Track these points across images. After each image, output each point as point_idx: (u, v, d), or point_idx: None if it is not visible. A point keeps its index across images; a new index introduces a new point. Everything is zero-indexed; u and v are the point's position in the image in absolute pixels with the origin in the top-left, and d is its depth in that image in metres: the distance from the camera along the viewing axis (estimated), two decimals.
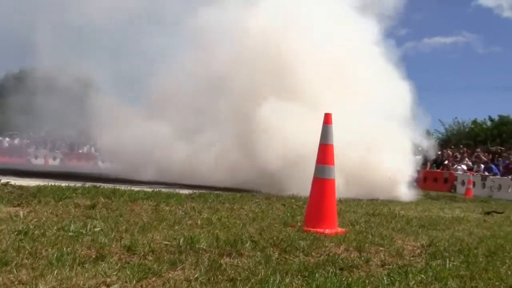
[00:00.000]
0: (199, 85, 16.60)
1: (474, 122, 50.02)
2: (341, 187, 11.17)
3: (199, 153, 15.48)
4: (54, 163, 36.56)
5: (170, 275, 3.31)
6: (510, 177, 21.34)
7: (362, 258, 4.27)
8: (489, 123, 49.25)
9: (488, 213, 9.83)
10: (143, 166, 16.18)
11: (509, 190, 20.99)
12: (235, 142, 15.13)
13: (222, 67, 15.71)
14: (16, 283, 2.93)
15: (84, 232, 4.41)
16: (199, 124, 16.20)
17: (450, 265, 4.23)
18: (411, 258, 4.48)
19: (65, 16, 20.28)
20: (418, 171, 19.71)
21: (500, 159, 25.49)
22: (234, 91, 15.34)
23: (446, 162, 27.07)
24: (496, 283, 3.80)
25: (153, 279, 3.21)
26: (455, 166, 25.98)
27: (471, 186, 20.07)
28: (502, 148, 29.04)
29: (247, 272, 3.49)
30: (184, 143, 16.06)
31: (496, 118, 49.78)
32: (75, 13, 20.02)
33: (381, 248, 4.73)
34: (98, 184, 8.71)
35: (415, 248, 4.93)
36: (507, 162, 24.00)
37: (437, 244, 5.09)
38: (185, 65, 17.03)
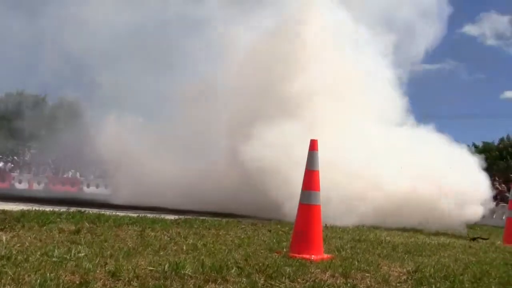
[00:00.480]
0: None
1: None
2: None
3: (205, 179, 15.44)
4: (38, 188, 36.29)
5: None
6: (494, 203, 21.41)
7: (348, 285, 4.26)
8: (473, 149, 49.70)
9: (474, 239, 9.85)
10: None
11: (494, 216, 21.08)
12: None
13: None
14: None
15: (68, 257, 4.36)
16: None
17: None
18: (397, 285, 4.47)
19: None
20: None
21: None
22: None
23: None
24: None
25: None
26: None
27: None
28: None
29: None
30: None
31: (480, 144, 50.33)
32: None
33: (367, 274, 4.71)
34: (83, 209, 8.65)
35: (401, 274, 4.92)
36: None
37: (423, 270, 5.09)
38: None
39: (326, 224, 8.33)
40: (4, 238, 5.13)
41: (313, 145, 5.91)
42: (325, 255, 5.61)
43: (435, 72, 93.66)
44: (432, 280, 4.66)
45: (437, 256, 6.51)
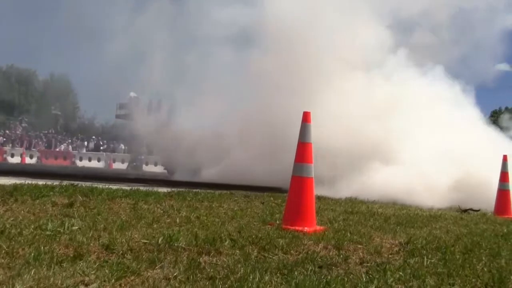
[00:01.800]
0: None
1: None
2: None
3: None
4: (31, 162, 36.25)
5: (149, 273, 3.30)
6: None
7: (341, 256, 4.29)
8: None
9: (465, 211, 9.92)
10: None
11: None
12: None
13: None
14: None
15: (61, 230, 4.37)
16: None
17: (428, 262, 4.27)
18: (389, 256, 4.51)
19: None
20: None
21: None
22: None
23: None
24: (473, 279, 3.83)
25: (132, 278, 3.19)
26: None
27: None
28: None
29: (226, 271, 3.49)
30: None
31: None
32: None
33: (359, 246, 4.75)
34: (75, 183, 8.63)
35: (393, 246, 4.96)
36: None
37: (414, 242, 5.12)
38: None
39: (317, 195, 8.34)
40: None
41: (306, 117, 5.89)
42: (318, 227, 5.64)
43: None
44: (424, 252, 4.70)
45: (429, 228, 6.56)
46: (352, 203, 9.51)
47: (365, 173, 12.73)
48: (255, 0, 16.87)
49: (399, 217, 7.47)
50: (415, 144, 13.17)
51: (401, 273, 3.79)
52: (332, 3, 15.46)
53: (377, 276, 3.66)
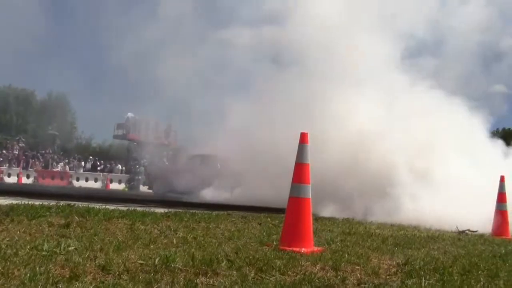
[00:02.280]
0: None
1: None
2: None
3: None
4: (27, 181, 36.16)
5: None
6: None
7: (339, 277, 4.27)
8: None
9: (462, 231, 9.90)
10: None
11: None
12: None
13: None
14: None
15: (58, 251, 4.34)
16: None
17: (426, 283, 4.24)
18: (387, 277, 4.49)
19: None
20: None
21: None
22: None
23: None
24: None
25: None
26: None
27: None
28: None
29: None
30: None
31: None
32: None
33: (357, 267, 4.73)
34: (72, 203, 8.61)
35: (391, 267, 4.94)
36: None
37: (412, 263, 5.10)
38: None
39: (315, 217, 8.34)
40: None
41: (303, 138, 5.90)
42: (315, 248, 5.63)
43: None
44: (422, 273, 4.67)
45: (427, 249, 6.54)
46: (350, 223, 9.51)
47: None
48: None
49: (397, 238, 7.46)
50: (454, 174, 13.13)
51: None
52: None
53: None
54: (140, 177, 36.62)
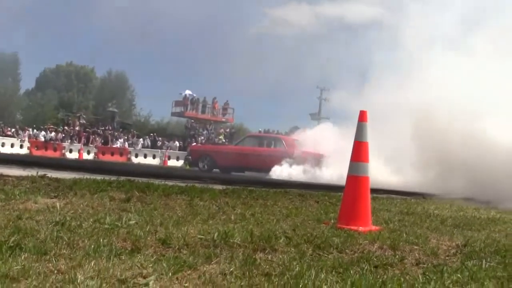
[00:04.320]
0: None
1: None
2: None
3: None
4: (88, 157, 36.98)
5: (205, 268, 3.33)
6: None
7: (397, 257, 4.24)
8: None
9: None
10: None
11: None
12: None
13: None
14: (55, 272, 2.98)
15: (119, 224, 4.46)
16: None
17: (487, 265, 4.17)
18: (446, 258, 4.44)
19: None
20: None
21: None
22: None
23: None
24: None
25: (189, 272, 3.23)
26: None
27: None
28: None
29: (281, 267, 3.49)
30: None
31: None
32: None
33: (415, 247, 4.69)
34: (132, 178, 8.78)
35: (450, 248, 4.87)
36: None
37: (472, 245, 5.02)
38: None
39: (373, 196, 8.27)
40: (58, 205, 5.26)
41: (362, 116, 5.87)
42: (373, 227, 5.60)
43: None
44: (482, 255, 4.59)
45: (487, 231, 6.41)
46: (407, 203, 9.40)
47: None
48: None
49: (456, 219, 7.34)
50: None
51: (458, 275, 3.72)
52: None
53: (434, 278, 3.60)
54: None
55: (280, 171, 21.14)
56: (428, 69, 17.34)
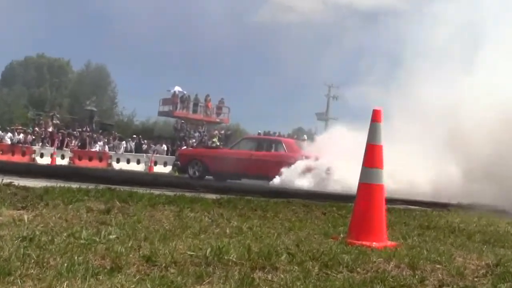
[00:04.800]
0: None
1: None
2: None
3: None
4: (62, 163, 36.92)
5: None
6: None
7: (416, 277, 4.22)
8: None
9: None
10: None
11: None
12: None
13: None
14: None
15: (97, 239, 4.43)
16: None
17: None
18: (475, 279, 4.41)
19: None
20: None
21: None
22: None
23: None
24: None
25: None
26: None
27: None
28: None
29: None
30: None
31: None
32: None
33: (438, 266, 4.67)
34: (113, 187, 8.77)
35: (479, 268, 4.84)
36: None
37: (506, 264, 4.97)
38: None
39: (388, 207, 8.26)
40: (26, 217, 5.24)
41: (376, 115, 5.83)
42: (389, 243, 5.59)
43: None
44: None
45: None
46: (428, 216, 9.39)
47: None
48: None
49: (486, 234, 7.32)
50: None
51: None
52: None
53: None
54: None
55: (283, 179, 21.18)
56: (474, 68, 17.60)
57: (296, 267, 4.13)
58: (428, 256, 5.03)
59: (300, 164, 21.33)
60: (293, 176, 21.01)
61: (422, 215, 9.40)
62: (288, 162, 21.78)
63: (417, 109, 18.72)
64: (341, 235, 5.76)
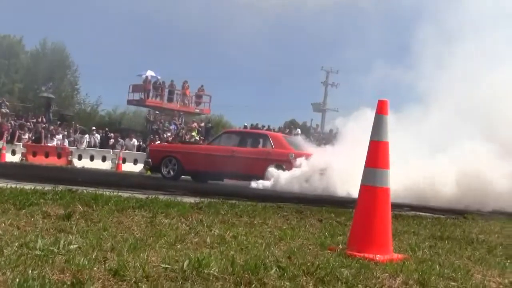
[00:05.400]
0: None
1: None
2: None
3: None
4: (13, 159, 36.72)
5: None
6: None
7: None
8: None
9: None
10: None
11: None
12: None
13: None
14: None
15: (55, 250, 4.43)
16: None
17: None
18: None
19: None
20: None
21: None
22: None
23: None
24: None
25: None
26: None
27: None
28: None
29: None
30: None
31: None
32: None
33: (452, 283, 4.70)
34: (74, 188, 8.76)
35: (501, 286, 4.89)
36: None
37: None
38: None
39: (395, 214, 8.31)
40: None
41: (381, 106, 5.84)
42: (395, 255, 5.62)
43: None
44: None
45: None
46: (441, 225, 9.42)
47: None
48: None
49: (509, 247, 7.35)
50: None
51: None
52: None
53: None
54: None
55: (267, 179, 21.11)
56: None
57: (288, 283, 4.15)
58: (441, 271, 5.07)
59: (291, 163, 21.22)
60: (283, 177, 20.89)
61: (434, 223, 9.44)
62: (275, 159, 21.70)
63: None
64: (340, 246, 5.80)
